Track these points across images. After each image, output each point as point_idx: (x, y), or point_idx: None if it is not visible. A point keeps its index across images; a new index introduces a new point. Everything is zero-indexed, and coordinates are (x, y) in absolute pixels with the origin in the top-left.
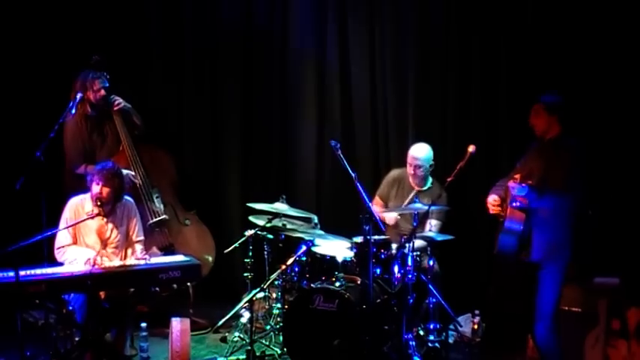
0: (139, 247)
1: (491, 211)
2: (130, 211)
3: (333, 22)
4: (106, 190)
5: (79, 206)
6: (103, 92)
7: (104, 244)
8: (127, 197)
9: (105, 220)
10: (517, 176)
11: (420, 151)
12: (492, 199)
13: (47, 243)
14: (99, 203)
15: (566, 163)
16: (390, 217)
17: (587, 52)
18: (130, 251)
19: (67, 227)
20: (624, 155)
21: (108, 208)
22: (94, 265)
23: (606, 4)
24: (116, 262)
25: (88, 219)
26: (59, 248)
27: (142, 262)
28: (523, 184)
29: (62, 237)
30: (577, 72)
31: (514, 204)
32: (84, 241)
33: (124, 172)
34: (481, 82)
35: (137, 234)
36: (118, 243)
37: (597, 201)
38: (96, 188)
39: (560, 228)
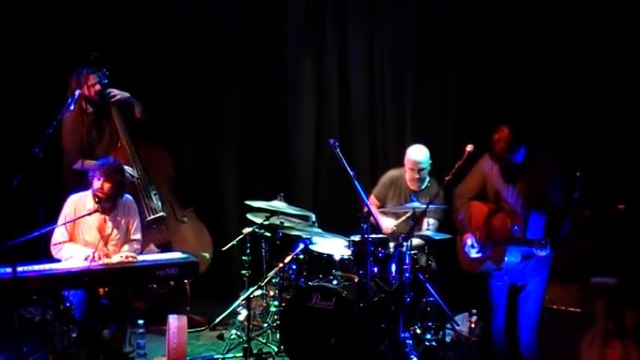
0: (134, 245)
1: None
2: (130, 209)
3: (332, 21)
4: (107, 185)
5: (80, 203)
6: (98, 87)
7: (105, 240)
8: (127, 196)
9: (106, 216)
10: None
11: (421, 154)
12: (471, 244)
13: (45, 239)
14: (97, 199)
15: (550, 181)
16: (388, 226)
17: (586, 51)
18: (125, 247)
19: (66, 223)
20: (623, 156)
21: (108, 204)
22: (92, 262)
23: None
24: (114, 259)
25: (86, 215)
26: (55, 245)
27: (132, 259)
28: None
29: (58, 234)
30: (576, 69)
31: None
32: (83, 237)
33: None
34: (479, 81)
35: (135, 232)
36: (117, 240)
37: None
38: (97, 184)
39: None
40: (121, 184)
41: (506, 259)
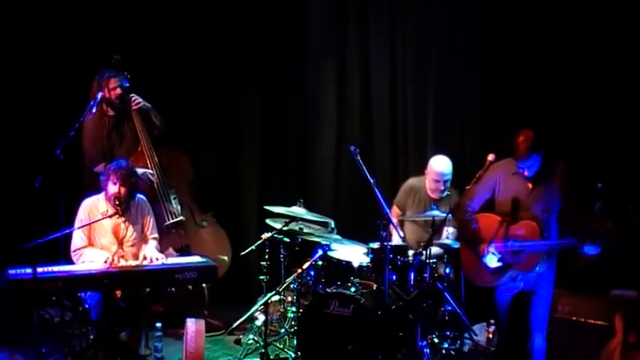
0: (153, 242)
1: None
2: (144, 208)
3: (355, 22)
4: (123, 189)
5: (93, 207)
6: (118, 91)
7: (120, 243)
8: (139, 195)
9: (120, 219)
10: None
11: (445, 166)
12: (492, 253)
13: (64, 241)
14: (117, 202)
15: (566, 189)
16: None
17: (608, 62)
18: (144, 246)
19: (82, 227)
20: None
21: (123, 206)
22: (111, 265)
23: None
24: (133, 262)
25: (104, 218)
26: (75, 251)
27: (160, 262)
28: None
29: (77, 239)
30: (599, 80)
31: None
32: (99, 241)
33: (142, 170)
34: (502, 84)
35: (152, 231)
36: (134, 241)
37: (618, 213)
38: (113, 188)
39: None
40: (135, 187)
41: (537, 268)
